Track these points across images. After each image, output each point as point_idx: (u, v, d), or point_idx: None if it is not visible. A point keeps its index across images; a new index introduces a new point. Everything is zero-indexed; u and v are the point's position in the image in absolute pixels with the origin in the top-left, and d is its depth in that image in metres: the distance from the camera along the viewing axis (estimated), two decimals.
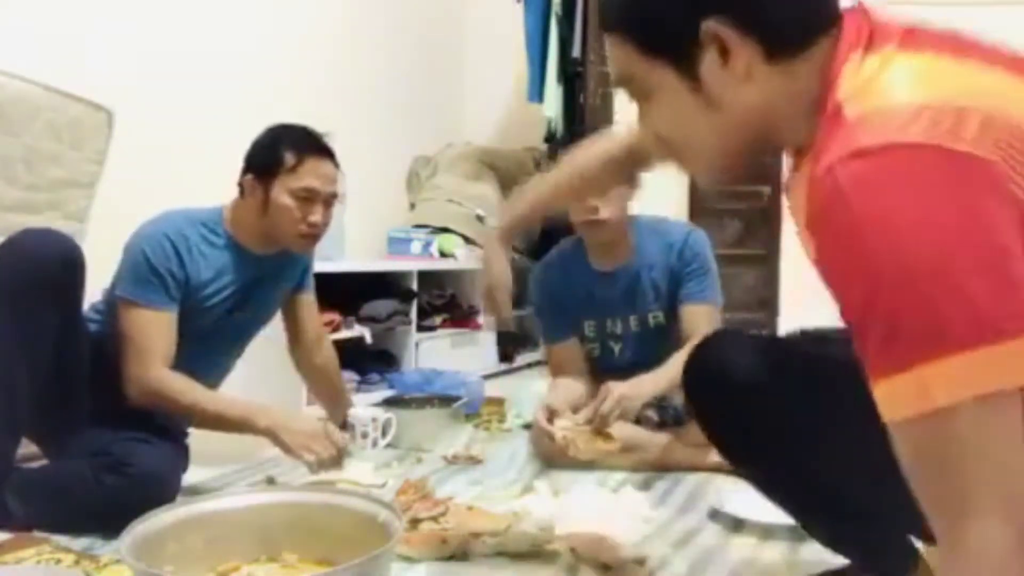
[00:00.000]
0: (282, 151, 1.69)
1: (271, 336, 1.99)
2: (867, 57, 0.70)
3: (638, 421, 1.98)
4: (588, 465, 1.86)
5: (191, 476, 1.71)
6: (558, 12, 3.64)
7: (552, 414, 1.90)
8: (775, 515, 1.20)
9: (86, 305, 1.59)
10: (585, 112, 3.54)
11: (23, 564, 1.31)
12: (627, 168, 1.30)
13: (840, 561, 1.17)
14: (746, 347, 1.03)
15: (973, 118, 0.61)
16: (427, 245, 3.39)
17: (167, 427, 1.66)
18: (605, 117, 3.37)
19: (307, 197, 1.69)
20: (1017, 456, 0.59)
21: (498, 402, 2.60)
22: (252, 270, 1.77)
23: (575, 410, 1.92)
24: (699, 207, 3.32)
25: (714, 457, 1.66)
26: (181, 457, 1.68)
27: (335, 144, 1.80)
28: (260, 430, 1.63)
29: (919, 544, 1.06)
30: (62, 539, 1.41)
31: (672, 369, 1.86)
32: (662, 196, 2.92)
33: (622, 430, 1.87)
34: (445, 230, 3.48)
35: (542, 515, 1.50)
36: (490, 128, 4.34)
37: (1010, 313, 0.58)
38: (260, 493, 1.36)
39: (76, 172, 1.81)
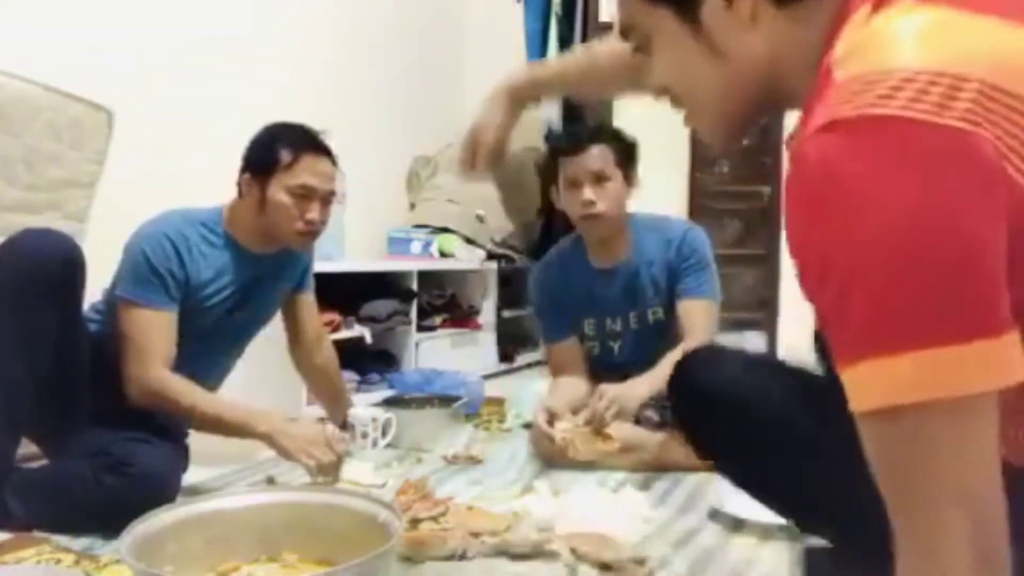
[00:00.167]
0: (278, 149, 1.69)
1: (271, 336, 1.99)
2: (879, 12, 0.62)
3: (638, 421, 1.98)
4: (588, 465, 1.85)
5: (191, 476, 1.71)
6: (558, 12, 3.64)
7: (552, 417, 1.90)
8: (775, 515, 1.20)
9: (86, 305, 1.59)
10: (584, 112, 3.54)
11: (23, 564, 1.31)
12: (634, 74, 1.28)
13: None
14: (728, 363, 1.03)
15: (970, 87, 0.54)
16: (427, 245, 3.38)
17: (167, 427, 1.66)
18: (605, 117, 3.37)
19: (304, 194, 1.69)
20: (978, 455, 0.56)
21: (498, 402, 2.60)
22: (251, 269, 1.77)
23: (575, 411, 1.93)
24: (699, 207, 3.32)
25: None
26: (181, 457, 1.68)
27: (335, 143, 1.80)
28: (259, 435, 1.63)
29: None
30: (62, 539, 1.41)
31: (667, 369, 1.86)
32: (662, 196, 2.94)
33: (621, 430, 1.88)
34: (445, 230, 3.47)
35: (542, 515, 1.49)
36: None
37: (979, 313, 0.53)
38: (260, 493, 1.35)
39: (76, 172, 1.82)
